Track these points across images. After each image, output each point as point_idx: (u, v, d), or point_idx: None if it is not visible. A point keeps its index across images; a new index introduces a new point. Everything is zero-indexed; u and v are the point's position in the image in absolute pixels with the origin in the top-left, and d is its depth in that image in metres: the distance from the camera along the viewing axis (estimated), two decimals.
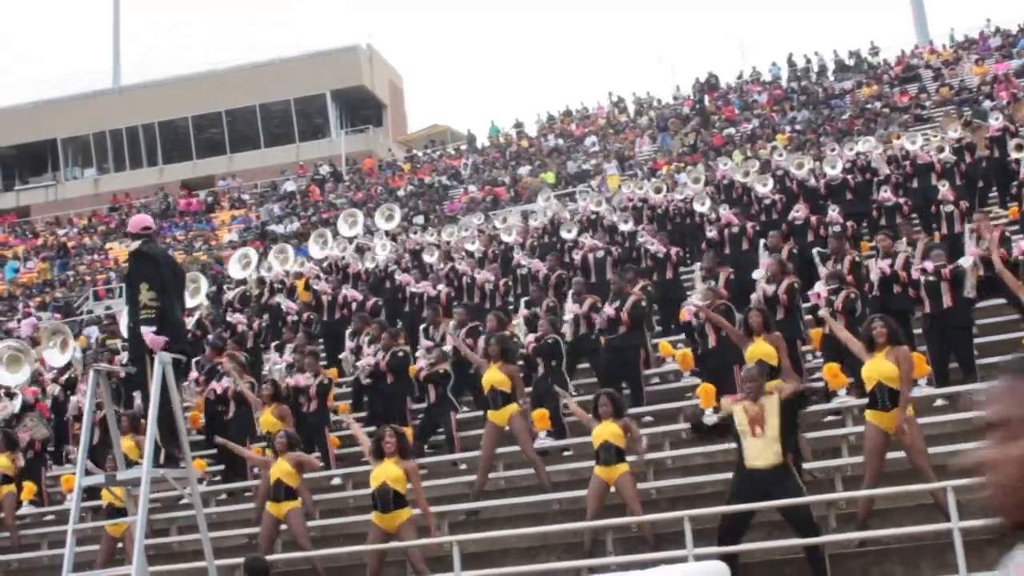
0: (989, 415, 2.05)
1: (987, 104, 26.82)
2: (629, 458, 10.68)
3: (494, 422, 12.23)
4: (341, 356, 16.87)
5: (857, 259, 14.66)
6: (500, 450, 12.80)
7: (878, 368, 9.66)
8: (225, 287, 23.62)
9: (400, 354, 14.64)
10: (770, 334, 11.69)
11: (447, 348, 14.68)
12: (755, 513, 9.40)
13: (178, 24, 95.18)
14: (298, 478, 11.56)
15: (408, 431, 13.96)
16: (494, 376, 12.25)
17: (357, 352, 15.63)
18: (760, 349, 11.45)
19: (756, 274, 15.16)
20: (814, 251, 15.33)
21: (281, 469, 11.43)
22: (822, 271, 13.93)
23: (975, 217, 14.75)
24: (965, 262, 13.08)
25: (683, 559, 9.14)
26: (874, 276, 13.26)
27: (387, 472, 10.42)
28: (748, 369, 9.77)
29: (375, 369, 14.60)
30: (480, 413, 13.28)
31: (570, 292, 15.37)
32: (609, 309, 13.90)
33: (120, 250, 34.51)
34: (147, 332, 8.30)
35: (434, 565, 10.54)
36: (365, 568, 10.73)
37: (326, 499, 13.57)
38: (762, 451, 9.03)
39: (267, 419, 13.26)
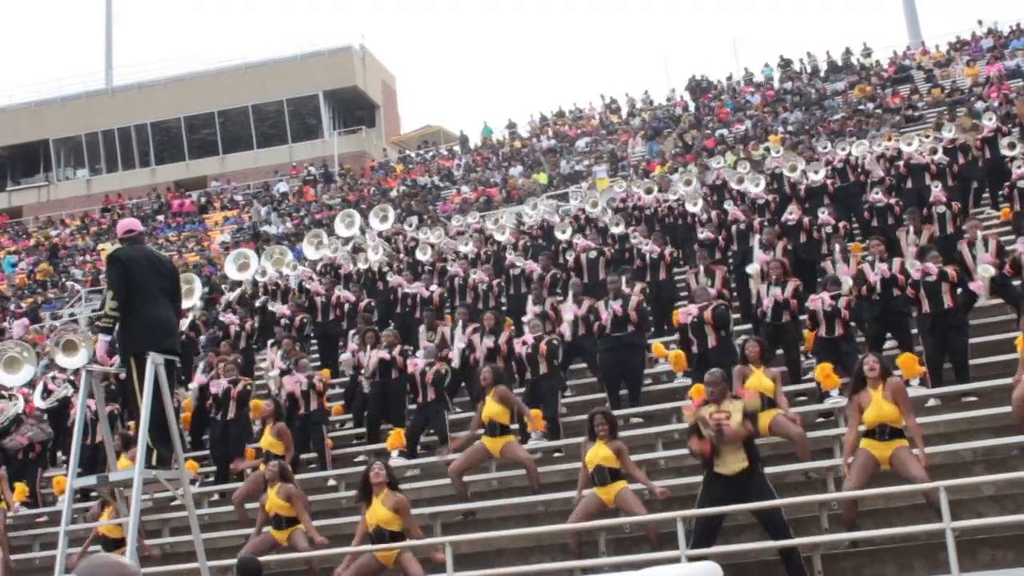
0: None
1: (980, 105, 26.86)
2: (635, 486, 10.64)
3: (486, 446, 12.24)
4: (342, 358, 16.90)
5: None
6: None
7: (880, 411, 9.51)
8: (224, 288, 23.62)
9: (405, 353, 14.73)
10: (768, 368, 11.61)
11: (459, 344, 14.92)
12: (725, 517, 9.45)
13: (170, 25, 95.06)
14: (293, 510, 11.53)
15: (399, 431, 14.03)
16: (492, 409, 12.18)
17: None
18: (760, 383, 11.26)
19: (750, 269, 15.25)
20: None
21: (274, 504, 11.44)
22: (843, 269, 14.02)
23: (968, 225, 14.81)
24: (986, 272, 13.21)
25: (676, 560, 9.13)
26: (874, 278, 13.24)
27: (377, 515, 10.37)
28: (711, 372, 9.75)
29: (384, 367, 14.61)
30: (473, 414, 13.26)
31: (569, 293, 15.41)
32: (616, 306, 13.91)
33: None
34: (101, 341, 8.28)
35: (427, 566, 10.52)
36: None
37: (320, 499, 13.56)
38: (729, 457, 9.17)
39: (267, 440, 13.17)
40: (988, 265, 13.46)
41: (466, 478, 12.45)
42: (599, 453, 10.43)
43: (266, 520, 11.73)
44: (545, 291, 16.80)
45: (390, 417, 14.90)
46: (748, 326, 15.18)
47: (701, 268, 15.55)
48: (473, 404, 14.66)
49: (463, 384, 15.49)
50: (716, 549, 9.23)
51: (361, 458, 14.76)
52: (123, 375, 11.60)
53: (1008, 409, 10.82)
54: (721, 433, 9.10)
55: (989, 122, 20.31)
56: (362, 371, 15.20)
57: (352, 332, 16.82)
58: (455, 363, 14.71)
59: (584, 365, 15.51)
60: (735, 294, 16.41)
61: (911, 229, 15.79)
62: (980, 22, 38.41)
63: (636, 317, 13.93)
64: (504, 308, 17.72)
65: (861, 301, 13.32)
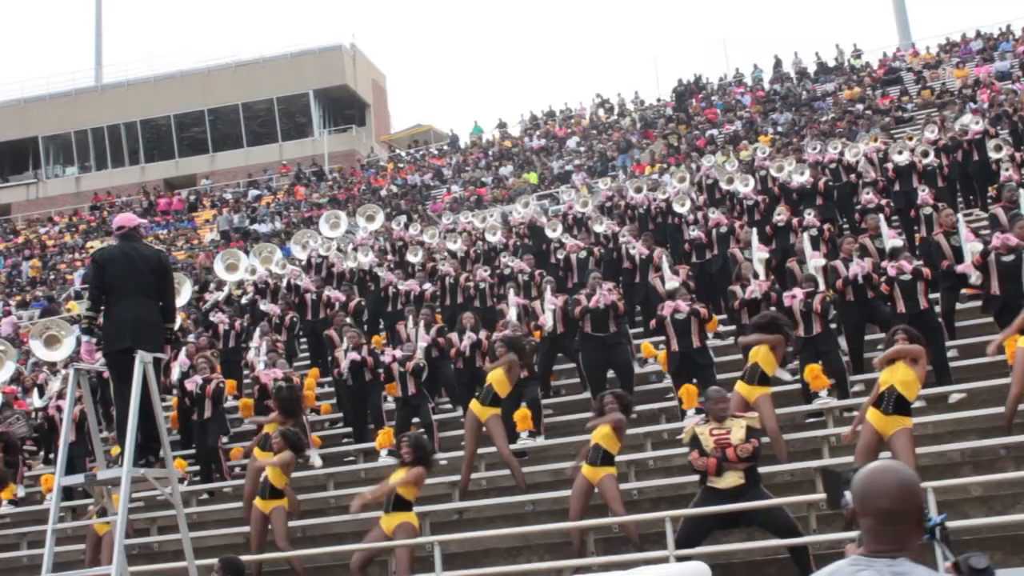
0: None
1: (970, 107, 26.93)
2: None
3: (476, 414, 11.98)
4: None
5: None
6: (481, 451, 12.78)
7: (894, 373, 9.52)
8: (211, 287, 23.58)
9: (378, 351, 14.71)
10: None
11: (421, 344, 14.91)
12: (715, 526, 9.41)
13: (161, 23, 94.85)
14: (283, 479, 11.55)
15: (388, 431, 14.01)
16: (496, 375, 12.01)
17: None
18: (761, 356, 11.30)
19: (757, 256, 15.29)
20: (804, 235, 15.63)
21: (273, 468, 11.51)
22: (812, 256, 13.96)
23: (943, 214, 14.71)
24: (975, 248, 13.09)
25: (665, 560, 9.14)
26: (851, 273, 13.15)
27: (398, 477, 10.49)
28: (712, 391, 9.64)
29: (357, 367, 14.58)
30: (460, 413, 13.25)
31: (548, 287, 15.46)
32: (599, 297, 13.88)
33: None
34: (84, 342, 8.37)
35: (415, 566, 10.52)
36: (347, 568, 10.70)
37: (308, 499, 13.54)
38: (727, 473, 9.10)
39: (271, 426, 13.07)
40: (976, 242, 13.31)
41: (456, 478, 12.42)
42: (601, 431, 10.45)
43: (255, 486, 11.77)
44: (534, 290, 16.83)
45: (372, 415, 14.94)
46: (732, 327, 15.17)
47: (666, 267, 15.52)
48: (454, 402, 14.92)
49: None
50: (704, 549, 9.23)
51: (351, 457, 14.78)
52: (105, 373, 11.62)
53: (996, 410, 10.86)
54: (726, 458, 9.07)
55: (976, 125, 20.37)
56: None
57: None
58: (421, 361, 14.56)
59: (572, 365, 15.49)
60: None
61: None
62: (979, 32, 38.07)
63: (616, 296, 13.93)
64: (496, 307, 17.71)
65: (837, 301, 13.25)
